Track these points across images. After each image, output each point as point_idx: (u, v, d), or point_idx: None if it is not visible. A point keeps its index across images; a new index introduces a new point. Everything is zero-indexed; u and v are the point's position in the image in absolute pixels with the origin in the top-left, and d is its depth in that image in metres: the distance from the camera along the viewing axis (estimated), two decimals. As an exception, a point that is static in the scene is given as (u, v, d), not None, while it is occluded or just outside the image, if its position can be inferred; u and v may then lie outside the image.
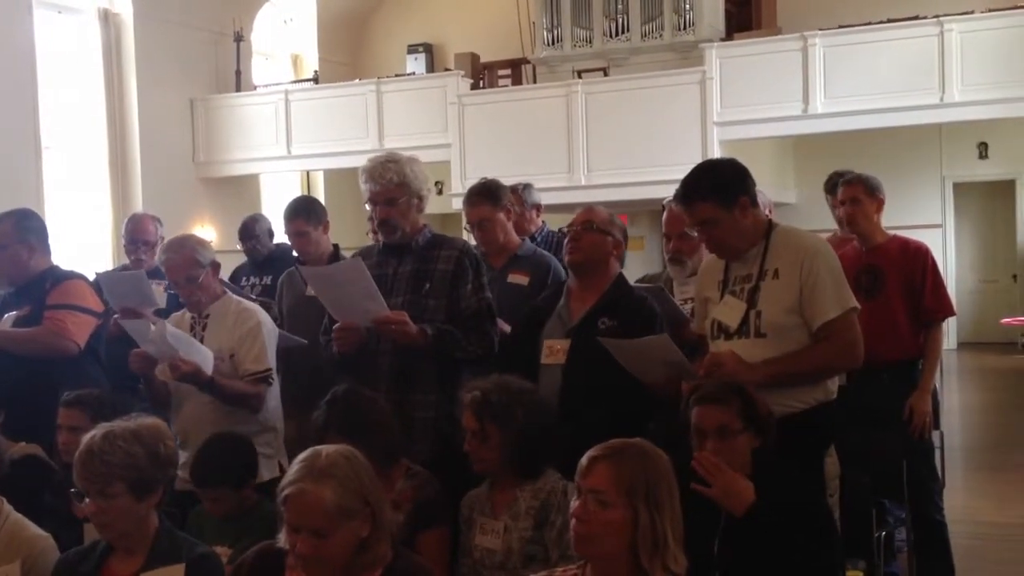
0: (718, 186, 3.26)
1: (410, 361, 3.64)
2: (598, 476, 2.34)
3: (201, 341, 3.87)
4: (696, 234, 3.51)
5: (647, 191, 11.45)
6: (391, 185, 3.71)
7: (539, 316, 3.79)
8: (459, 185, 12.55)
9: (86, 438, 2.73)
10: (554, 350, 3.64)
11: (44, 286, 4.31)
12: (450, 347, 3.66)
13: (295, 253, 5.20)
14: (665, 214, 4.21)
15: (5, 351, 4.19)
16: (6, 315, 4.28)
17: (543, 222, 5.32)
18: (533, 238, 5.00)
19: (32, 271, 4.35)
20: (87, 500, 2.69)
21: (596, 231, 3.71)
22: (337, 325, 3.69)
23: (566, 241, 3.77)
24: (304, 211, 4.96)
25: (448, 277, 3.72)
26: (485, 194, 4.53)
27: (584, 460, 2.38)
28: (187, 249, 3.93)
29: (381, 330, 3.57)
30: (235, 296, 4.08)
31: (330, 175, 15.10)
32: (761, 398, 2.95)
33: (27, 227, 4.39)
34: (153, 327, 3.79)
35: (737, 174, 3.32)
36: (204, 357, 3.78)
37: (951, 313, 4.71)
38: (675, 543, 2.34)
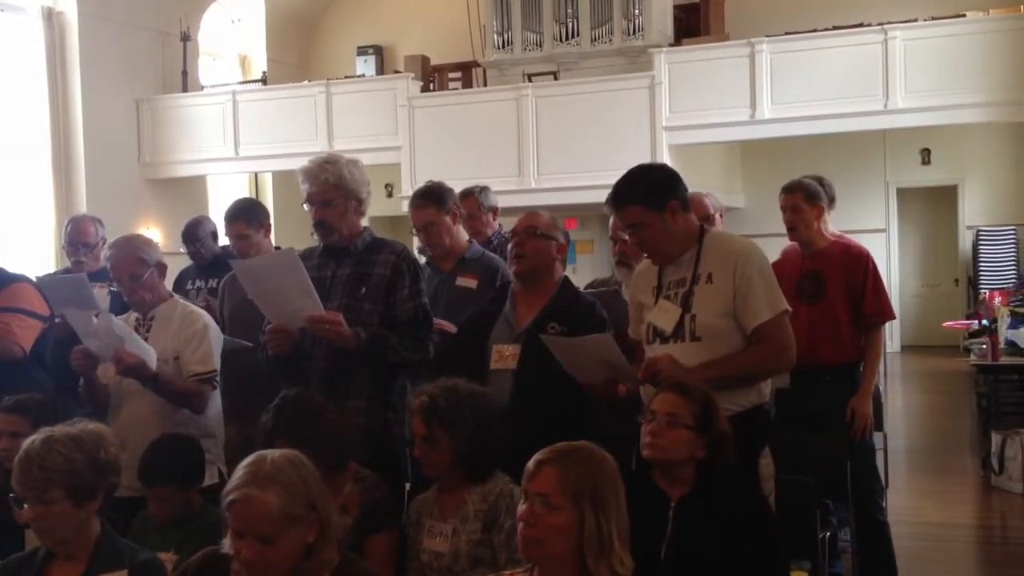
0: (648, 190, 3.28)
1: (342, 365, 3.60)
2: (544, 479, 2.35)
3: (146, 343, 3.83)
4: (628, 237, 3.54)
5: (597, 195, 11.38)
6: (327, 186, 3.69)
7: (485, 320, 3.79)
8: (409, 188, 12.51)
9: (25, 443, 2.70)
10: (503, 355, 3.64)
11: None
12: (384, 351, 3.63)
13: (236, 254, 5.14)
14: (612, 218, 4.23)
15: None
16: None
17: (499, 225, 5.32)
18: (489, 241, 5.00)
19: None
20: (26, 506, 2.64)
21: (540, 236, 3.72)
22: (270, 326, 3.65)
23: (510, 247, 3.77)
24: (245, 213, 4.91)
25: (384, 282, 3.70)
26: (430, 197, 4.51)
27: (531, 464, 2.39)
28: (132, 247, 3.90)
29: (314, 330, 3.52)
30: (181, 300, 4.04)
31: (278, 177, 14.98)
32: (724, 421, 2.98)
33: None
34: (95, 319, 3.74)
35: (668, 179, 3.33)
36: (147, 354, 3.74)
37: (891, 317, 4.78)
38: (621, 544, 2.36)
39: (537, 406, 3.45)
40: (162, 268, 3.97)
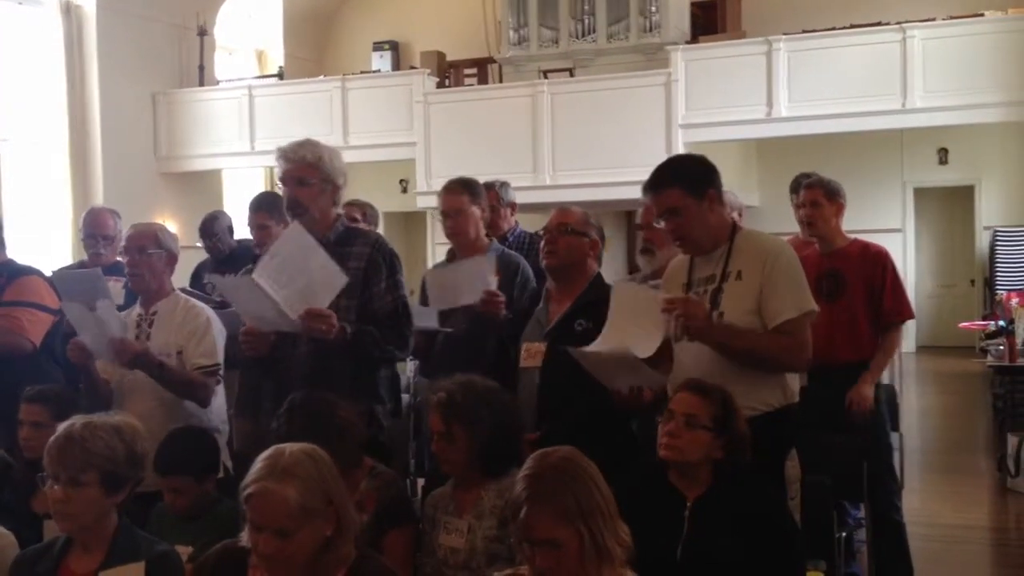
0: (688, 176, 3.28)
1: (324, 362, 3.57)
2: (540, 527, 2.32)
3: (147, 338, 3.85)
4: (663, 224, 3.52)
5: (611, 192, 11.50)
6: (303, 163, 3.63)
7: (521, 319, 3.79)
8: (424, 184, 12.53)
9: (64, 425, 2.71)
10: (531, 353, 3.63)
11: None
12: (368, 347, 3.60)
13: (255, 245, 5.16)
14: (642, 207, 4.23)
15: None
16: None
17: (516, 222, 5.32)
18: (505, 237, 5.00)
19: None
20: (55, 487, 2.65)
21: (571, 233, 3.70)
22: (244, 329, 3.61)
23: (542, 244, 3.75)
24: (268, 205, 4.94)
25: (360, 275, 3.63)
26: (465, 185, 4.52)
27: (521, 514, 2.34)
28: (152, 227, 3.97)
29: (309, 325, 3.44)
30: (183, 295, 4.05)
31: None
32: (745, 425, 2.96)
33: None
34: (97, 310, 3.75)
35: (707, 169, 3.35)
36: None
37: (910, 316, 4.75)
38: (613, 540, 2.34)
39: (563, 403, 3.43)
40: (172, 258, 3.97)
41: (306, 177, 3.64)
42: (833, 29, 11.87)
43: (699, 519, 2.87)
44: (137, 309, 3.98)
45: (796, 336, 3.20)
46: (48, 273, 4.61)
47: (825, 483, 3.73)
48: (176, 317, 3.89)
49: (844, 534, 4.20)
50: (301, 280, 3.45)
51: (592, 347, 3.30)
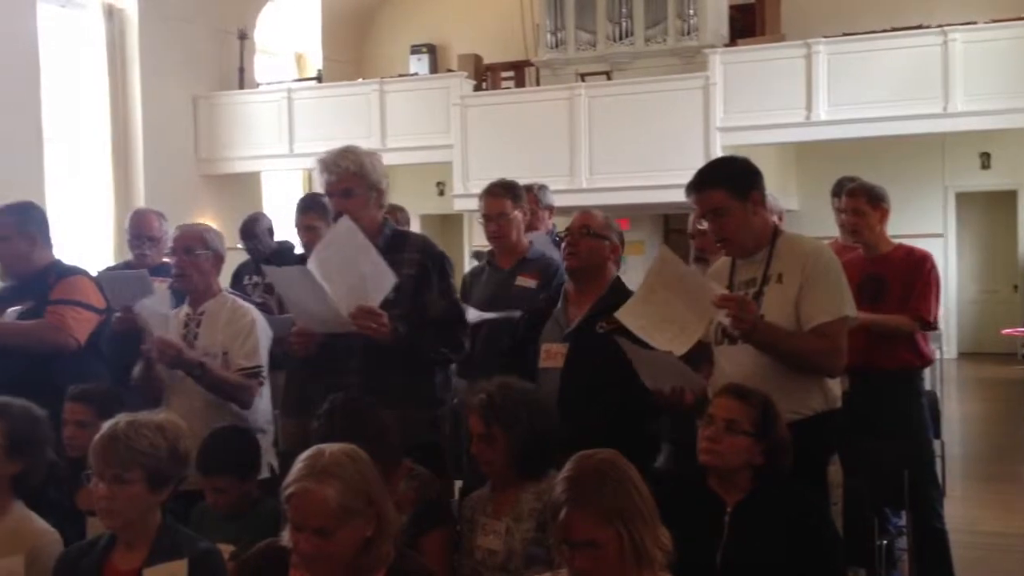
0: (733, 176, 3.28)
1: (380, 366, 3.58)
2: (580, 528, 2.31)
3: (195, 338, 3.88)
4: (705, 225, 3.50)
5: (649, 195, 11.47)
6: (347, 174, 3.63)
7: (538, 319, 3.78)
8: (461, 186, 12.55)
9: (109, 423, 2.75)
10: (551, 353, 3.63)
11: (47, 281, 4.30)
12: (423, 348, 3.61)
13: (302, 246, 5.19)
14: (692, 215, 4.23)
15: (5, 344, 4.17)
16: (9, 310, 4.26)
17: (553, 224, 5.33)
18: (558, 235, 5.01)
19: (35, 265, 4.33)
20: (100, 484, 2.68)
21: (593, 236, 3.71)
22: (295, 329, 3.64)
23: (563, 246, 3.76)
24: (316, 206, 4.96)
25: (412, 283, 3.64)
26: (508, 189, 4.55)
27: (561, 515, 2.34)
28: (199, 228, 4.02)
29: (359, 323, 3.44)
30: (231, 296, 4.08)
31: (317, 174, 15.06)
32: (786, 430, 2.94)
33: (29, 219, 4.38)
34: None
35: (752, 171, 3.35)
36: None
37: (926, 321, 4.59)
38: (653, 544, 2.33)
39: (584, 405, 3.43)
40: (219, 258, 4.01)
41: (351, 188, 3.64)
42: (873, 32, 11.77)
43: (739, 525, 2.85)
44: (185, 309, 4.01)
45: (832, 340, 3.17)
46: (94, 273, 4.67)
47: (866, 490, 3.70)
48: (222, 317, 3.91)
49: (885, 541, 4.16)
50: (352, 276, 3.46)
51: (627, 310, 3.27)
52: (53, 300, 4.23)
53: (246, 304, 4.06)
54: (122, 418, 2.76)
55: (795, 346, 3.14)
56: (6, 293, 4.39)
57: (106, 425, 2.76)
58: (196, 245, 3.92)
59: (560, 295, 3.81)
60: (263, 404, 4.00)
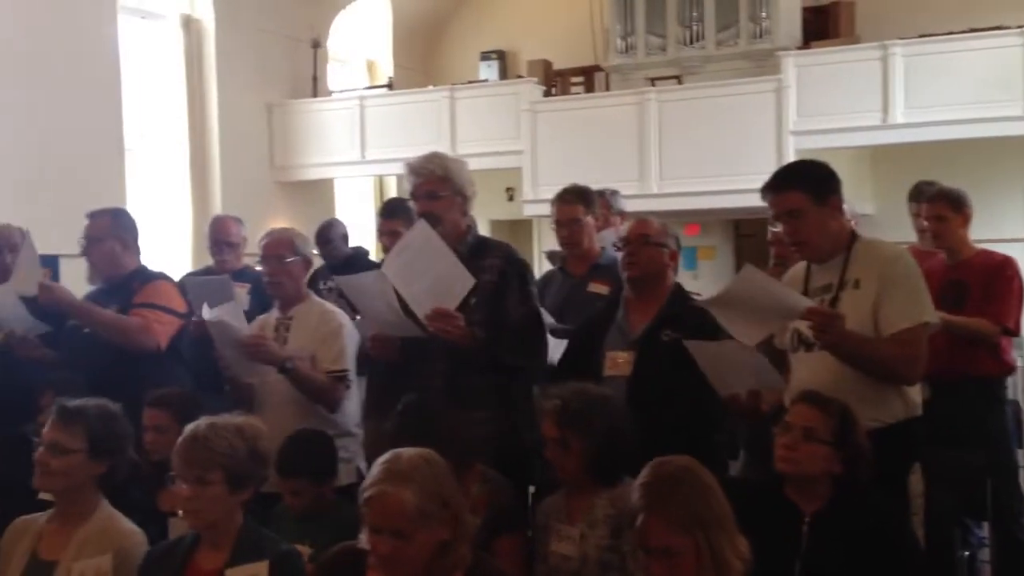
0: (811, 179, 3.25)
1: (462, 373, 3.60)
2: (657, 534, 2.31)
3: (284, 342, 3.93)
4: (779, 227, 3.46)
5: (720, 200, 11.36)
6: (433, 177, 3.69)
7: (597, 326, 3.77)
8: (530, 192, 12.56)
9: (191, 426, 2.82)
10: (617, 362, 3.62)
11: (132, 286, 4.41)
12: (501, 354, 3.63)
13: (383, 251, 5.25)
14: (770, 228, 4.20)
15: (92, 328, 4.28)
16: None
17: (625, 230, 5.31)
18: (614, 245, 5.00)
19: (122, 268, 4.45)
20: (183, 485, 2.74)
21: (652, 244, 3.69)
22: (371, 335, 3.68)
23: (622, 256, 3.73)
24: (399, 211, 5.01)
25: (492, 289, 3.66)
26: (580, 195, 4.56)
27: (638, 522, 2.34)
28: (287, 234, 4.07)
29: (435, 326, 3.47)
30: (319, 299, 4.12)
31: (403, 181, 15.14)
32: (866, 439, 2.89)
33: (122, 224, 4.52)
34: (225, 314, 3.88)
35: (831, 174, 3.31)
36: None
37: (1008, 326, 4.49)
38: (731, 552, 2.31)
39: (651, 413, 3.40)
40: (307, 263, 4.07)
41: (436, 190, 3.69)
42: (951, 33, 11.51)
43: (818, 534, 2.82)
44: (276, 313, 4.06)
45: (912, 347, 3.11)
46: (176, 278, 4.78)
47: (948, 500, 3.63)
48: (311, 321, 3.96)
49: (967, 553, 4.08)
50: (427, 279, 3.48)
51: (711, 298, 3.25)
52: (137, 304, 4.33)
53: (334, 308, 4.09)
54: (203, 421, 2.83)
55: (875, 354, 3.09)
56: (93, 296, 4.52)
57: (188, 428, 2.82)
58: (286, 252, 3.98)
59: (619, 302, 3.79)
60: (352, 407, 4.03)
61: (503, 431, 3.65)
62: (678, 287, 3.77)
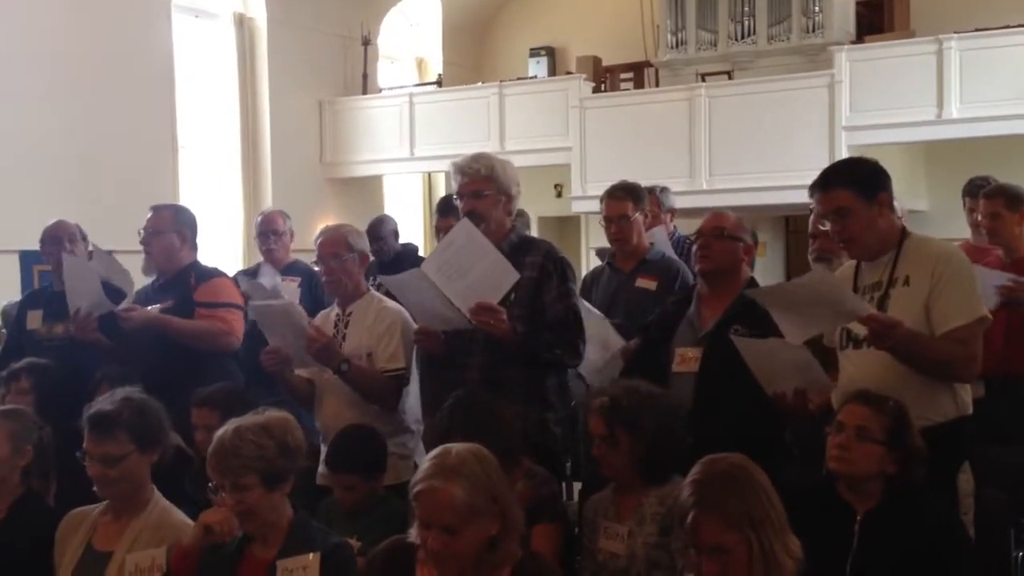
0: (859, 176, 3.22)
1: (498, 366, 3.64)
2: (708, 532, 2.30)
3: (343, 339, 3.94)
4: (828, 226, 3.43)
5: (771, 196, 11.27)
6: (478, 176, 3.76)
7: (668, 322, 3.75)
8: (579, 188, 12.55)
9: (217, 435, 2.84)
10: (686, 358, 3.60)
11: (188, 281, 4.49)
12: (539, 348, 3.67)
13: (416, 252, 5.30)
14: (812, 215, 4.15)
15: (173, 339, 4.35)
16: (150, 307, 4.46)
17: (675, 227, 5.30)
18: (688, 239, 4.99)
19: (178, 263, 4.54)
20: (223, 495, 2.79)
21: (727, 237, 3.66)
22: (417, 328, 3.74)
23: (695, 248, 3.73)
24: (455, 209, 5.04)
25: (532, 285, 3.70)
26: (629, 192, 4.58)
27: (689, 519, 2.34)
28: (342, 231, 4.07)
29: (478, 319, 3.53)
30: (378, 295, 4.12)
31: (451, 178, 15.22)
32: (918, 435, 2.86)
33: (183, 220, 4.64)
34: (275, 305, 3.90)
35: (880, 172, 3.28)
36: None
37: None
38: (783, 551, 2.30)
39: (719, 410, 3.39)
40: (364, 259, 4.06)
41: (482, 190, 3.75)
42: (1008, 27, 11.31)
43: (870, 534, 2.79)
44: (335, 310, 4.09)
45: (968, 345, 3.08)
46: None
47: (1002, 500, 3.57)
48: (369, 318, 3.96)
49: (1021, 553, 4.01)
50: (472, 275, 3.54)
51: (766, 288, 3.22)
52: (203, 303, 4.41)
53: (392, 305, 4.04)
54: (229, 427, 2.84)
55: (932, 353, 3.06)
56: (152, 291, 4.60)
57: (216, 436, 2.85)
58: (343, 250, 3.97)
59: (692, 297, 3.77)
60: (411, 403, 4.03)
61: (536, 426, 3.68)
62: (752, 282, 3.72)
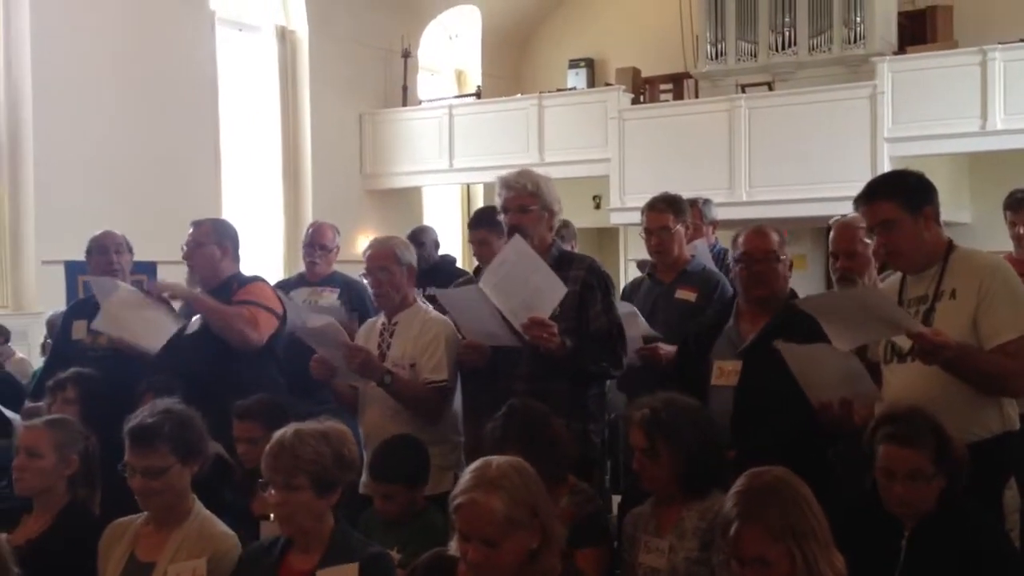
0: (905, 189, 3.19)
1: (543, 383, 3.67)
2: (751, 543, 2.29)
3: (388, 348, 3.97)
4: (872, 240, 3.39)
5: (811, 208, 11.18)
6: (524, 192, 3.83)
7: (707, 335, 3.74)
8: (618, 200, 12.53)
9: (278, 433, 2.87)
10: (725, 371, 3.57)
11: (230, 290, 4.53)
12: (585, 361, 3.73)
13: (474, 260, 5.31)
14: (832, 232, 4.11)
15: (203, 313, 4.42)
16: (194, 318, 4.51)
17: (716, 239, 5.28)
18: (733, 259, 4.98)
19: (220, 274, 4.59)
20: (272, 491, 2.81)
21: (779, 260, 3.64)
22: (464, 342, 3.79)
23: (739, 269, 3.66)
24: (489, 220, 5.06)
25: (576, 298, 3.75)
26: (671, 203, 4.58)
27: (731, 531, 2.33)
28: (391, 244, 4.09)
29: (531, 334, 3.58)
30: (424, 306, 4.13)
31: (490, 189, 15.24)
32: (956, 438, 2.83)
33: (224, 232, 4.71)
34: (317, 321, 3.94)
35: (926, 185, 3.25)
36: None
37: None
38: (826, 566, 2.28)
39: (759, 425, 3.36)
40: (412, 271, 4.08)
41: (527, 205, 3.83)
42: (1053, 37, 11.18)
43: (918, 549, 2.76)
44: (381, 319, 4.12)
45: (1020, 358, 3.03)
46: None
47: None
48: (414, 329, 3.97)
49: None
50: (524, 291, 3.61)
51: (814, 297, 3.16)
52: (238, 301, 4.45)
53: (438, 316, 4.05)
54: (290, 428, 2.88)
55: (983, 367, 3.02)
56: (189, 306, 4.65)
57: (275, 435, 2.88)
58: (391, 264, 4.00)
59: (731, 310, 3.75)
60: (452, 415, 4.02)
61: (579, 437, 3.69)
62: (793, 294, 3.69)
